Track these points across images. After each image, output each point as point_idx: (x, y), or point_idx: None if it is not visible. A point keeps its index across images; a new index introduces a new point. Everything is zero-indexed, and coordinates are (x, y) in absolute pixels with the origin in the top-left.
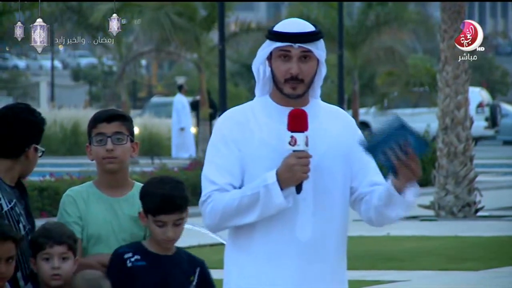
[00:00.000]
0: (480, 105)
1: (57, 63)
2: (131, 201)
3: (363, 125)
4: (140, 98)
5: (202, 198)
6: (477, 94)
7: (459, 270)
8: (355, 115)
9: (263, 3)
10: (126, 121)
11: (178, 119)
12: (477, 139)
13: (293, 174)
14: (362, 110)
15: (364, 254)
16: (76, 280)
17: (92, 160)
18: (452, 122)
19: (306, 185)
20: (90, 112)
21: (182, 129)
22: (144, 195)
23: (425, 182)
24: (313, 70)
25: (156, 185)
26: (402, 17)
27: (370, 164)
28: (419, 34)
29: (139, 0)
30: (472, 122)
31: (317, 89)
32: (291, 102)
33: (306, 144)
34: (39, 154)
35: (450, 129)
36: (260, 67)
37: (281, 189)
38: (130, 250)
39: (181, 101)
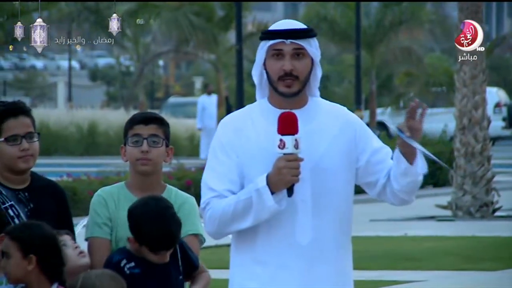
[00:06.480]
0: (497, 105)
1: (75, 64)
2: None
3: (380, 125)
4: (157, 98)
5: (202, 205)
6: (495, 94)
7: (476, 270)
8: (372, 115)
9: (280, 3)
10: (163, 125)
11: (199, 120)
12: (494, 139)
13: (283, 177)
14: (379, 110)
15: (381, 254)
16: (99, 277)
17: (126, 161)
18: (469, 122)
19: (304, 186)
20: (108, 113)
21: (199, 129)
22: (139, 230)
23: (442, 182)
24: (308, 67)
25: (152, 221)
26: (419, 17)
27: (383, 153)
28: (436, 33)
29: (157, 0)
30: (489, 122)
31: (314, 88)
32: (288, 102)
33: (296, 147)
34: (15, 140)
35: (468, 129)
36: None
37: (273, 192)
38: (123, 256)
39: (201, 102)
